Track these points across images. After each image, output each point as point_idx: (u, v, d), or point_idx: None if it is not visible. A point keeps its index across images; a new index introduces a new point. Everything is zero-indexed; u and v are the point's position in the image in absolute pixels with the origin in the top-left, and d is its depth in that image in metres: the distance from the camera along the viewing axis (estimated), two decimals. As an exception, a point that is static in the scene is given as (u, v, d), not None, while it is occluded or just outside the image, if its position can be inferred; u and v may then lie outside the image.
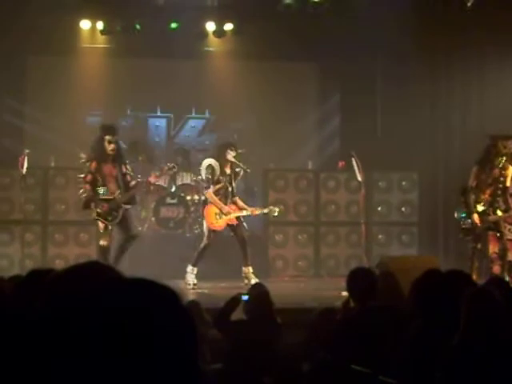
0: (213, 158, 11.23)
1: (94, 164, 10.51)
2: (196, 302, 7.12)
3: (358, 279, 5.85)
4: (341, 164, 13.32)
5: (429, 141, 13.87)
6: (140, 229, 12.43)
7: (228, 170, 11.09)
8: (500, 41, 13.16)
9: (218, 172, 11.01)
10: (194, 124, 15.00)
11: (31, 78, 14.07)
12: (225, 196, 11.14)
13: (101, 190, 10.45)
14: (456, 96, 13.90)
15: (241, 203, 11.25)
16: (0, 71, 13.15)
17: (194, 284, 10.94)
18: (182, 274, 10.94)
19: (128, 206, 10.64)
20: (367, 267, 7.62)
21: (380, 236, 13.49)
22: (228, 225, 11.07)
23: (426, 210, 13.74)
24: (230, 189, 11.15)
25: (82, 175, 10.62)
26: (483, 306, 4.02)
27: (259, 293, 6.78)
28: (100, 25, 13.64)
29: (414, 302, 4.89)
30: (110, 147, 10.47)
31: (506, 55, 13.33)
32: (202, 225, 11.30)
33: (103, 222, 10.42)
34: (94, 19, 13.62)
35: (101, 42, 13.96)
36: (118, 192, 10.50)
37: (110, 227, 10.44)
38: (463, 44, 13.52)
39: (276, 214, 11.45)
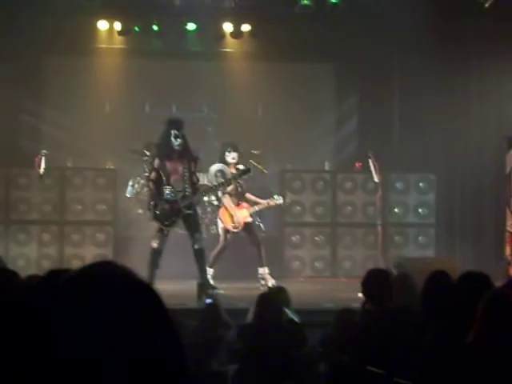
0: (219, 162, 11.23)
1: (156, 161, 10.06)
2: (215, 304, 7.11)
3: (374, 280, 5.83)
4: (358, 165, 13.28)
5: (446, 142, 13.82)
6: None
7: (233, 170, 11.12)
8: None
9: (228, 174, 11.03)
10: (210, 126, 14.96)
11: (49, 78, 14.10)
12: (238, 195, 11.21)
13: (166, 190, 9.95)
14: (474, 98, 13.84)
15: (253, 197, 11.37)
16: (18, 72, 13.19)
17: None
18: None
19: (188, 211, 10.03)
20: (383, 268, 7.58)
21: (397, 237, 13.45)
22: (245, 224, 11.10)
23: (444, 212, 13.69)
24: (239, 188, 11.20)
25: (148, 173, 10.32)
26: (498, 310, 4.00)
27: (264, 297, 6.73)
28: (118, 25, 13.69)
29: (423, 305, 4.90)
30: (176, 142, 9.96)
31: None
32: (218, 227, 11.35)
33: (159, 225, 9.98)
34: (111, 20, 13.67)
35: (118, 43, 13.99)
36: (180, 194, 9.99)
37: (165, 231, 10.00)
38: (481, 45, 13.45)
39: (282, 201, 11.60)
